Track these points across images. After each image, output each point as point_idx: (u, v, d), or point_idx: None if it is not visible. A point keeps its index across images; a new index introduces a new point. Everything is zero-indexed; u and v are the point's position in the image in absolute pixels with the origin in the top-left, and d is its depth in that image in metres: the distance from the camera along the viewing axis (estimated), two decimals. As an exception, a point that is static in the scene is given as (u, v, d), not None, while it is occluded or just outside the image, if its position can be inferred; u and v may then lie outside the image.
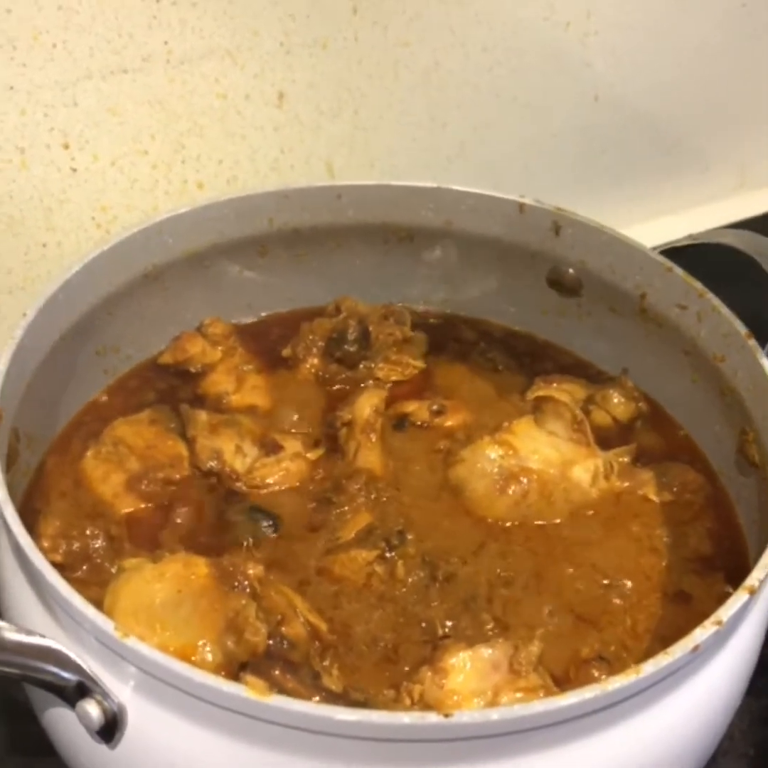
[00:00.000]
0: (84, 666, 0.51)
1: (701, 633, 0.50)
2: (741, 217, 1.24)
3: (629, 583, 0.66)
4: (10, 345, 0.63)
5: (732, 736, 0.73)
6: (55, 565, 0.62)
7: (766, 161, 1.33)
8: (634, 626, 0.63)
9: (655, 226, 1.20)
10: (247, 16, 0.85)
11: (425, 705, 0.55)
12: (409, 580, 0.65)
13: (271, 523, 0.67)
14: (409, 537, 0.67)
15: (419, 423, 0.76)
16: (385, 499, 0.70)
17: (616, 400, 0.78)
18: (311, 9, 0.87)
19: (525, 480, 0.69)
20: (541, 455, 0.71)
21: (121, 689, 0.50)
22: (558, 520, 0.69)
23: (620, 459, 0.73)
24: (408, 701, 0.56)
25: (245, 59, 0.86)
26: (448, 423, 0.76)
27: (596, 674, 0.58)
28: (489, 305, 0.86)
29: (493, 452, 0.70)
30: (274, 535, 0.66)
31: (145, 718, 0.50)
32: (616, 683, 0.48)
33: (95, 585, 0.61)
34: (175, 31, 0.82)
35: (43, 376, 0.68)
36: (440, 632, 0.61)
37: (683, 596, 0.66)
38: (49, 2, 0.76)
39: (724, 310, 0.71)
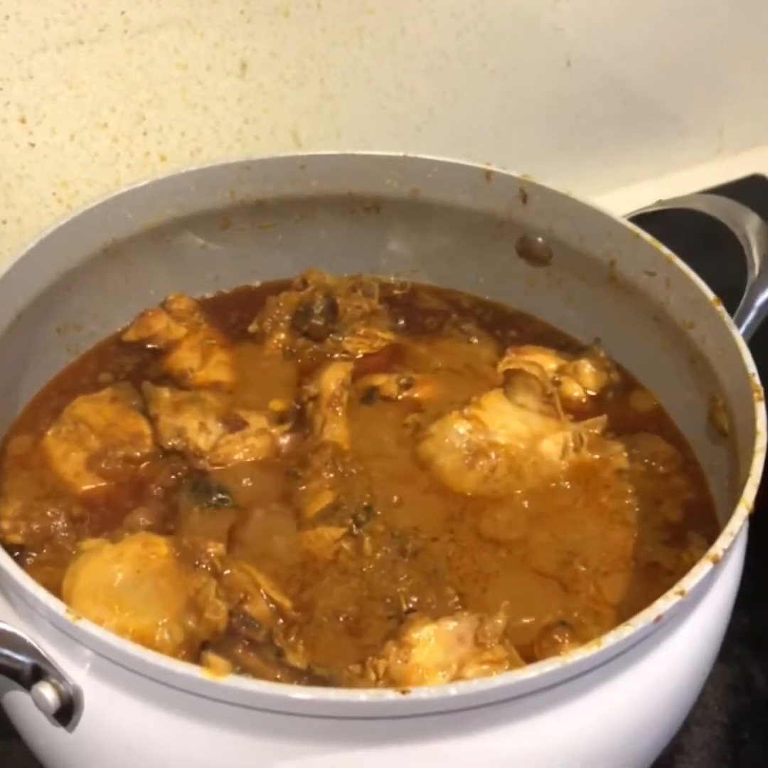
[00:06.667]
0: (39, 649, 0.50)
1: (664, 603, 0.49)
2: (719, 182, 1.23)
3: (596, 552, 0.65)
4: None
5: (706, 705, 0.73)
6: (16, 546, 0.62)
7: (745, 125, 1.31)
8: (600, 593, 0.63)
9: (632, 191, 1.19)
10: (206, -17, 0.83)
11: (390, 680, 0.55)
12: (377, 555, 0.64)
13: (227, 498, 0.66)
14: (378, 512, 0.66)
15: (388, 396, 0.75)
16: (352, 472, 0.68)
17: (587, 371, 0.77)
18: (271, -25, 0.85)
19: (493, 455, 0.69)
20: (510, 429, 0.70)
21: (77, 672, 0.50)
22: (527, 494, 0.68)
23: (591, 431, 0.72)
24: (373, 676, 0.55)
25: (205, 28, 0.85)
26: (417, 395, 0.75)
27: (558, 639, 0.57)
28: (458, 275, 0.85)
29: (462, 427, 0.69)
30: (234, 511, 0.65)
31: (102, 701, 0.50)
32: (577, 655, 0.47)
33: (56, 565, 0.60)
34: (132, 1, 0.80)
35: (1, 355, 0.67)
36: (405, 607, 0.61)
37: (654, 566, 0.65)
38: (0, -29, 0.75)
39: (693, 276, 0.69)
